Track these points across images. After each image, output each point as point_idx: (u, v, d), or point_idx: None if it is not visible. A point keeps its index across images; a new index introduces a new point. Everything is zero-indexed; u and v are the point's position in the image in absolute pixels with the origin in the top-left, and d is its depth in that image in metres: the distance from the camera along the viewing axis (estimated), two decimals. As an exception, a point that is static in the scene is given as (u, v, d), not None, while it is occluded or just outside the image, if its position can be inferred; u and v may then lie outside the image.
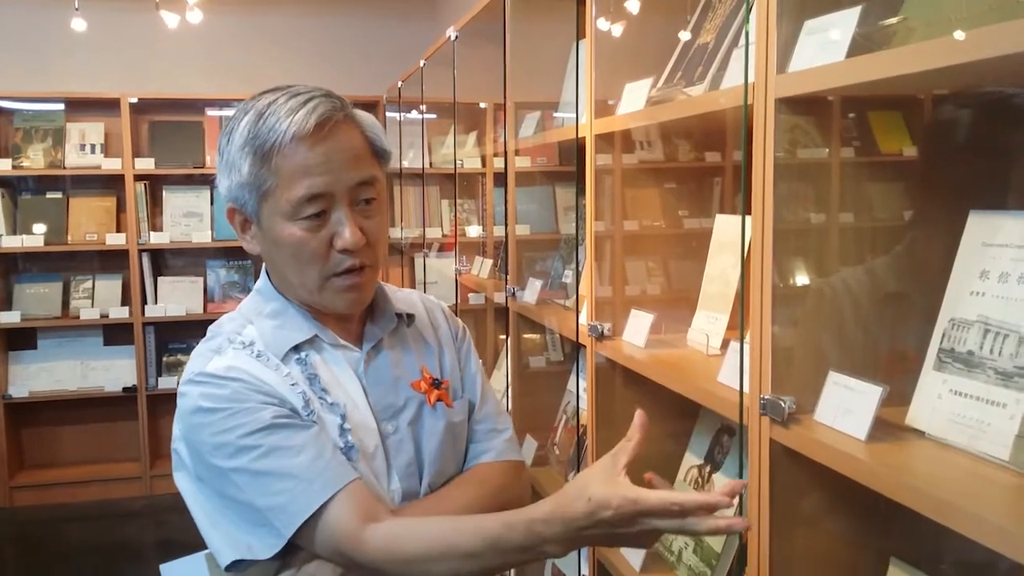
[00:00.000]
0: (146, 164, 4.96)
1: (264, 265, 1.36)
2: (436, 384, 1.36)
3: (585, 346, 1.94)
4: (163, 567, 1.25)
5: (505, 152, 2.66)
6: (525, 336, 2.86)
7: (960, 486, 0.95)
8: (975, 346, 1.07)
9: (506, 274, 2.73)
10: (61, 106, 4.95)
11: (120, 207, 5.06)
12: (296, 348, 1.28)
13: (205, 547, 1.27)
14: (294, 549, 1.20)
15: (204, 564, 1.25)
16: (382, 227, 1.28)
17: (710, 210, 2.00)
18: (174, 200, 5.13)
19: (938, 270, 1.16)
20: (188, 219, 5.12)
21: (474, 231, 4.08)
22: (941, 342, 1.11)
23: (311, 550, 1.19)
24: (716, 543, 1.68)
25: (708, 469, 1.78)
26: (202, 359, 1.26)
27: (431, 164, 4.49)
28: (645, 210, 2.02)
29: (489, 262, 3.36)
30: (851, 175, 1.25)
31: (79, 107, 4.99)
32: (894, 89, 1.05)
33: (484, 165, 3.93)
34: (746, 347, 1.25)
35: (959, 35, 0.87)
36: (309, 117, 1.17)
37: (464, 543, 1.11)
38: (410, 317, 1.40)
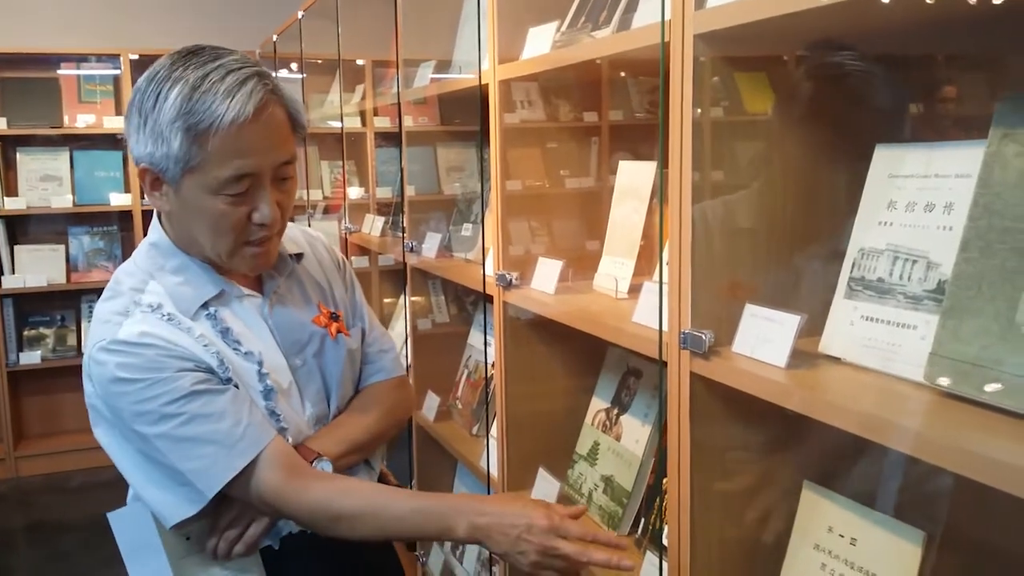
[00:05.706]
0: (-3, 125, 4.62)
1: (159, 218, 1.38)
2: (334, 317, 1.48)
3: (492, 297, 1.93)
4: (110, 515, 1.28)
5: (399, 109, 2.61)
6: (412, 299, 2.83)
7: (881, 402, 1.00)
8: (885, 273, 1.11)
9: (402, 231, 2.68)
10: None
11: (-32, 171, 4.71)
12: (204, 305, 1.32)
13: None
14: (228, 499, 1.29)
15: (147, 513, 1.29)
16: (293, 197, 1.35)
17: (589, 170, 2.03)
18: (30, 163, 4.80)
19: (844, 206, 1.21)
20: (46, 183, 4.81)
21: (354, 192, 3.99)
22: (852, 271, 1.16)
23: (243, 500, 1.29)
24: (627, 482, 1.72)
25: (616, 412, 1.82)
26: (110, 324, 1.26)
27: (309, 123, 4.35)
28: (527, 170, 2.02)
29: (381, 220, 3.29)
30: (760, 122, 1.29)
31: (-84, 62, 4.59)
32: (814, 22, 1.07)
33: (364, 124, 3.84)
34: (663, 286, 1.27)
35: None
36: (248, 103, 1.20)
37: (395, 505, 1.26)
38: (299, 256, 1.49)
